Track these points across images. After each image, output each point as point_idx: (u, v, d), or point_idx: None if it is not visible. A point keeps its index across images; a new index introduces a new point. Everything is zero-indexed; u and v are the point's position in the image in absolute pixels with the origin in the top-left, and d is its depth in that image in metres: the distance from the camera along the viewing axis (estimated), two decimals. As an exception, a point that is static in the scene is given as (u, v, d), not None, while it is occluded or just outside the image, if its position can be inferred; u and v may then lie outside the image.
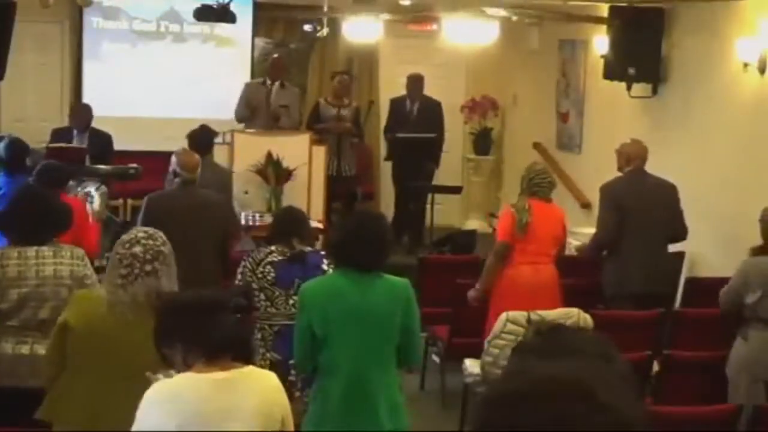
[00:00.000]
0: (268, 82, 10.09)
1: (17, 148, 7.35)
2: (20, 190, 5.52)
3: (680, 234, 6.90)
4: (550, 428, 1.34)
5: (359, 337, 4.17)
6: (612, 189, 6.85)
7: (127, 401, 3.29)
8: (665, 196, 6.81)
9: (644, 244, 6.69)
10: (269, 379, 3.35)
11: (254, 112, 9.90)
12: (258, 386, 3.24)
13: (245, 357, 3.29)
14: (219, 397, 3.16)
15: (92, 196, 7.88)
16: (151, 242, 3.95)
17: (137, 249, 3.92)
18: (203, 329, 3.22)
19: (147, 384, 3.27)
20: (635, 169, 6.79)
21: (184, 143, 8.54)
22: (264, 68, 10.87)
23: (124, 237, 4.03)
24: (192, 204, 6.22)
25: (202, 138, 7.77)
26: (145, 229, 4.12)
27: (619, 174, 6.93)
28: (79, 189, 8.10)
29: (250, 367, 3.28)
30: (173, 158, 6.41)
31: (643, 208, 6.69)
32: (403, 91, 10.98)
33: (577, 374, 1.42)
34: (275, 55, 10.69)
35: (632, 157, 6.82)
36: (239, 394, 3.18)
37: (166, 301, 3.52)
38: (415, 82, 10.80)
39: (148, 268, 3.90)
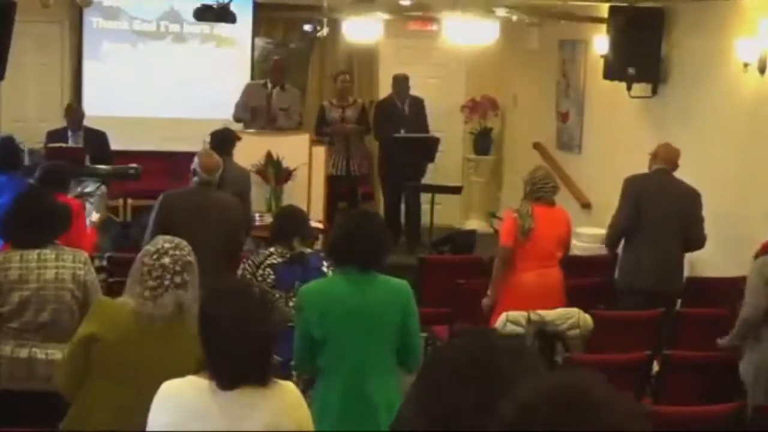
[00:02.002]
0: (269, 84, 10.08)
1: (9, 146, 7.36)
2: (21, 192, 5.51)
3: (697, 242, 6.88)
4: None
5: (358, 339, 4.16)
6: (632, 182, 6.89)
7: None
8: (685, 199, 6.79)
9: (657, 243, 6.71)
10: (283, 396, 3.23)
11: (254, 114, 9.89)
12: (267, 408, 3.15)
13: (264, 370, 3.19)
14: (221, 416, 3.12)
15: (90, 204, 7.87)
16: (178, 252, 3.87)
17: (166, 260, 3.83)
18: (218, 334, 3.17)
19: None
20: (660, 169, 6.81)
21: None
22: (265, 70, 10.85)
23: (150, 247, 3.92)
24: (205, 205, 6.20)
25: (221, 138, 7.75)
26: (170, 238, 3.99)
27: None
28: (79, 189, 8.11)
29: (268, 388, 3.17)
30: (195, 158, 6.41)
31: (660, 206, 6.70)
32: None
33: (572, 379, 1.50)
34: (276, 58, 10.67)
35: (659, 157, 6.86)
36: (244, 414, 3.12)
37: (207, 296, 3.40)
38: (403, 81, 10.75)
39: (177, 279, 3.82)
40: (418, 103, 10.79)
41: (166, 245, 3.90)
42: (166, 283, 3.81)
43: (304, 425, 3.30)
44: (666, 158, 6.86)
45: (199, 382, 3.15)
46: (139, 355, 3.81)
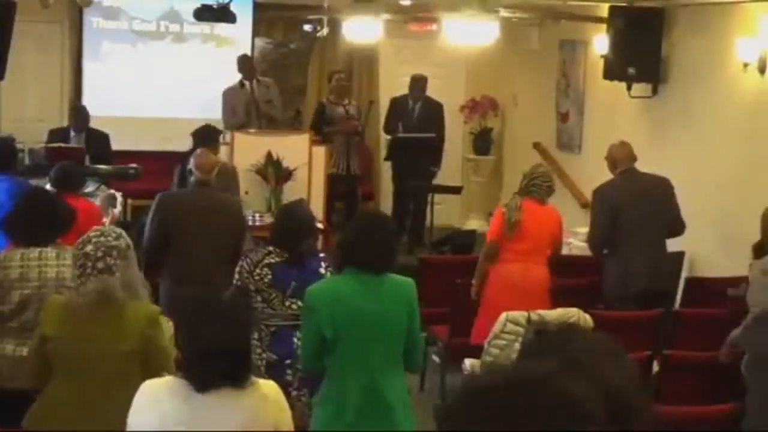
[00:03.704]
0: (245, 82, 10.08)
1: (4, 147, 7.34)
2: (24, 191, 5.53)
3: (678, 228, 6.88)
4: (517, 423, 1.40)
5: (369, 339, 4.16)
6: (604, 192, 6.86)
7: (101, 403, 3.28)
8: (660, 191, 6.82)
9: (644, 243, 6.69)
10: (260, 396, 3.23)
11: (247, 116, 9.87)
12: (241, 409, 3.16)
13: (239, 369, 3.20)
14: (196, 419, 3.13)
15: (113, 198, 7.90)
16: (102, 239, 3.94)
17: (89, 248, 3.92)
18: (191, 333, 3.20)
19: (119, 384, 3.25)
20: (626, 169, 6.80)
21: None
22: (248, 69, 10.82)
23: (79, 240, 4.03)
24: (204, 205, 6.19)
25: (206, 136, 7.75)
26: (99, 228, 4.12)
27: (612, 177, 6.94)
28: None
29: (245, 388, 3.18)
30: (191, 158, 6.42)
31: (639, 207, 6.69)
32: (402, 91, 11.00)
33: (547, 372, 1.49)
34: (242, 54, 10.64)
35: (619, 159, 6.84)
36: (219, 417, 3.13)
37: (181, 299, 3.48)
38: (418, 82, 10.83)
39: (100, 265, 3.89)
40: (432, 107, 10.82)
41: (91, 234, 3.99)
42: (88, 271, 3.88)
43: (282, 423, 3.30)
44: (626, 157, 6.83)
45: (176, 384, 3.17)
46: (82, 346, 3.87)
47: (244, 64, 10.34)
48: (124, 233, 4.07)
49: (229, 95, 10.13)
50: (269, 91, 10.10)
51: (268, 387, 3.30)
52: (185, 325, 3.26)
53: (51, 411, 3.94)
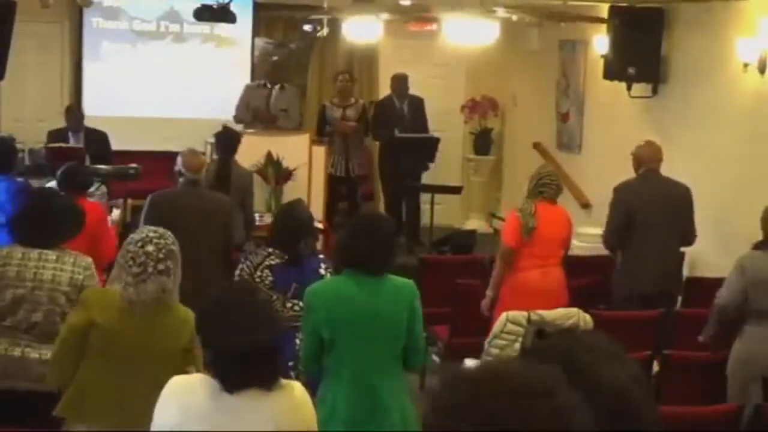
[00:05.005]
0: (268, 84, 10.08)
1: (3, 147, 7.35)
2: (31, 192, 5.54)
3: (691, 238, 6.89)
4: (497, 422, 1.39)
5: (365, 340, 4.15)
6: (621, 191, 6.86)
7: (144, 399, 3.28)
8: (678, 198, 6.80)
9: (655, 245, 6.69)
10: (288, 397, 3.19)
11: (254, 115, 9.88)
12: (270, 411, 3.12)
13: (265, 372, 3.16)
14: (223, 419, 3.11)
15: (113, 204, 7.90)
16: (162, 241, 4.01)
17: (150, 248, 3.96)
18: (212, 335, 3.19)
19: (162, 382, 3.23)
20: (648, 170, 6.80)
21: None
22: (264, 70, 10.83)
23: (135, 236, 4.06)
24: (196, 204, 6.19)
25: (226, 139, 7.73)
26: (155, 228, 4.13)
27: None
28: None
29: (273, 390, 3.15)
30: (178, 158, 6.41)
31: (654, 209, 6.69)
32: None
33: (534, 372, 1.48)
34: (275, 58, 10.68)
35: (644, 159, 6.84)
36: (247, 418, 3.10)
37: (213, 300, 3.41)
38: (401, 81, 10.78)
39: (160, 267, 3.95)
40: (417, 103, 10.80)
41: (151, 234, 4.04)
42: (149, 270, 3.93)
43: (309, 425, 3.28)
44: (652, 158, 6.84)
45: (205, 382, 3.15)
46: (129, 338, 3.93)
47: (272, 66, 10.35)
48: (175, 238, 4.10)
49: (246, 90, 10.15)
50: (287, 100, 10.06)
51: (295, 388, 3.26)
52: (206, 326, 3.23)
53: (91, 400, 3.95)
